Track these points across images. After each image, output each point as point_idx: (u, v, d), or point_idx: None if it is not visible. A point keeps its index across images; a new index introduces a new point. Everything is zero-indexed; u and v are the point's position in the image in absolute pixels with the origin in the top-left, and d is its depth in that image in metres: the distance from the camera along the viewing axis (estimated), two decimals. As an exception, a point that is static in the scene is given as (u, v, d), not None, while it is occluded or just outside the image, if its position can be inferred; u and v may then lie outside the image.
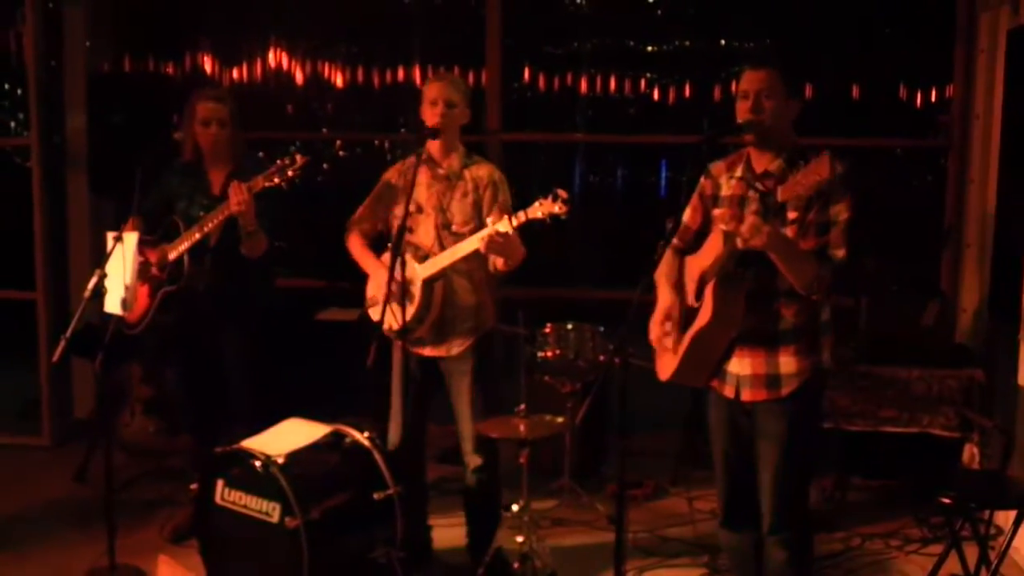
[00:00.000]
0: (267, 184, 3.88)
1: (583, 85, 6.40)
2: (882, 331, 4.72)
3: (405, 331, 3.74)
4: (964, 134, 5.27)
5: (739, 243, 2.86)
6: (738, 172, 3.16)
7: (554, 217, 3.44)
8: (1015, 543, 3.71)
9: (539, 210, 3.45)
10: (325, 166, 7.06)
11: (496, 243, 3.55)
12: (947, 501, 3.54)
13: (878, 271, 4.81)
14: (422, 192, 3.87)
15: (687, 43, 6.49)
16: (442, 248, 3.82)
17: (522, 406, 3.82)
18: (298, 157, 3.85)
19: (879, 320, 4.74)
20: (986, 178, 5.05)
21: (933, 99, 6.01)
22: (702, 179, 3.31)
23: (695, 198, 3.33)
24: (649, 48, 6.57)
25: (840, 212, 2.96)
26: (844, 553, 4.33)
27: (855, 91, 6.10)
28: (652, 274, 3.12)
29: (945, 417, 4.52)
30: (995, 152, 4.91)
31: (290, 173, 3.85)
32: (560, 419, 4.07)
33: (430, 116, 3.81)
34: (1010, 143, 4.70)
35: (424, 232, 3.88)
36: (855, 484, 4.85)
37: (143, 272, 4.18)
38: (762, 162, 3.10)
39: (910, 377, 4.59)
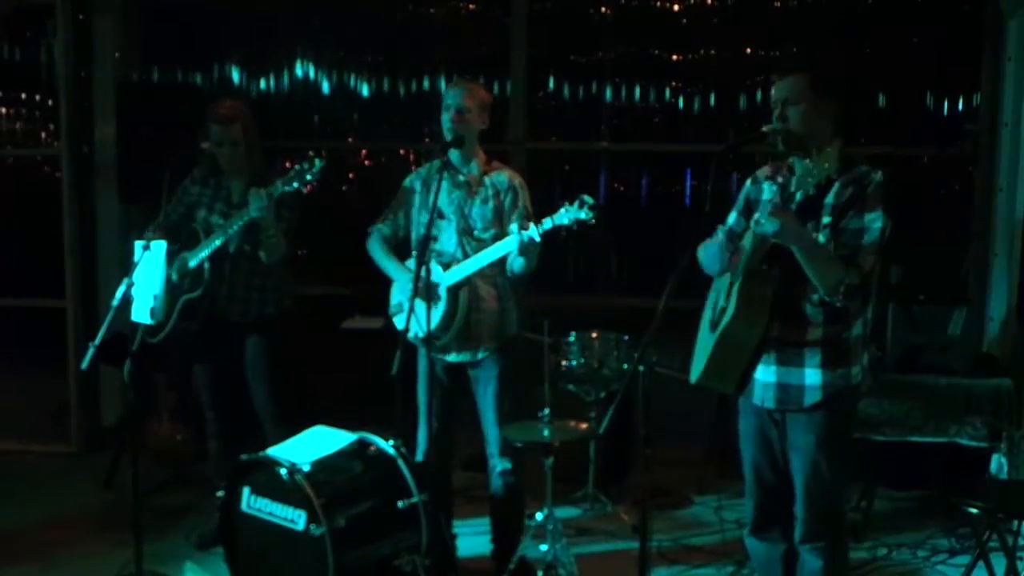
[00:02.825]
0: (286, 188, 3.91)
1: (607, 94, 6.41)
2: (909, 340, 4.68)
3: (431, 338, 3.75)
4: (992, 142, 5.24)
5: (754, 226, 2.86)
6: (780, 179, 3.16)
7: (580, 223, 3.45)
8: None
9: (565, 217, 3.47)
10: (351, 175, 7.10)
11: (526, 248, 3.58)
12: (975, 511, 3.50)
13: (905, 280, 4.78)
14: (443, 199, 3.89)
15: (712, 52, 6.48)
16: (464, 254, 3.85)
17: (546, 413, 3.83)
18: (316, 160, 3.87)
19: (906, 329, 4.70)
20: (1014, 186, 5.02)
21: (960, 107, 5.97)
22: (748, 183, 3.31)
23: (741, 202, 3.33)
24: (674, 57, 6.56)
25: (874, 220, 2.95)
26: (871, 563, 4.30)
27: (881, 100, 6.07)
28: (677, 281, 3.10)
29: (973, 427, 4.48)
30: (1024, 159, 4.88)
31: (308, 176, 3.87)
32: (583, 426, 4.08)
33: (444, 122, 3.85)
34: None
35: (446, 238, 3.90)
36: (882, 494, 4.81)
37: (167, 281, 4.21)
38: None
39: (937, 386, 4.55)
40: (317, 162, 3.86)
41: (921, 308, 4.72)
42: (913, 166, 6.03)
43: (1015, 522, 3.99)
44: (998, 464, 4.54)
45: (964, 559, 4.16)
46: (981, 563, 3.72)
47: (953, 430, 4.49)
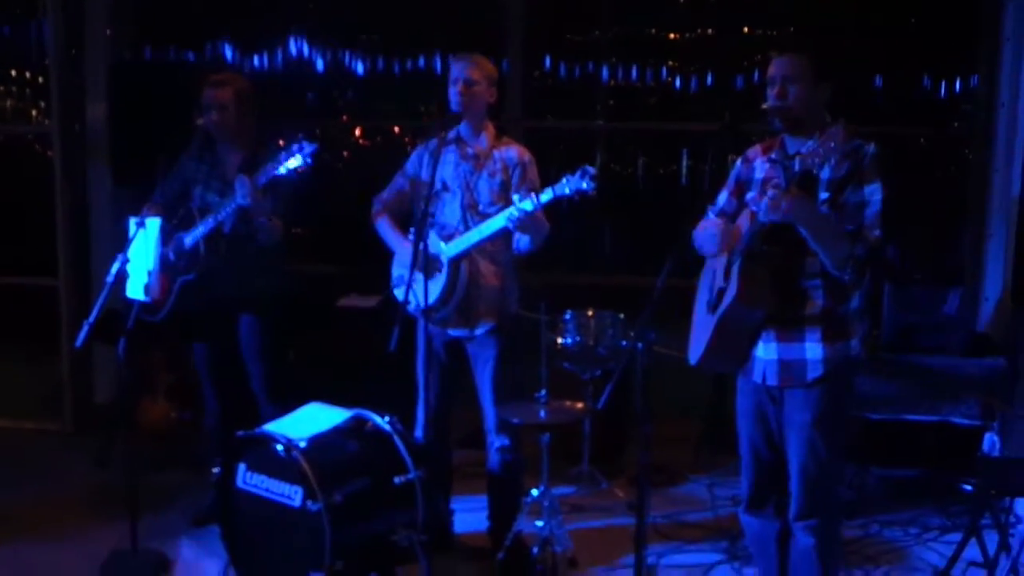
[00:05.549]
0: (274, 173, 3.88)
1: (604, 73, 6.39)
2: (905, 320, 4.70)
3: (430, 309, 3.74)
4: (988, 123, 5.24)
5: (761, 215, 2.86)
6: (772, 155, 3.16)
7: (582, 194, 3.43)
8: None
9: (567, 187, 3.46)
10: (345, 154, 7.07)
11: (523, 221, 3.56)
12: (968, 488, 3.52)
13: (901, 260, 4.80)
14: (448, 171, 3.88)
15: (709, 31, 6.46)
16: (467, 227, 3.83)
17: (543, 392, 3.84)
18: (304, 144, 3.82)
19: (902, 309, 4.72)
20: (1010, 167, 5.02)
21: (958, 88, 5.98)
22: (739, 163, 3.32)
23: (732, 182, 3.34)
24: (671, 36, 6.54)
25: (873, 192, 2.95)
26: (863, 540, 4.33)
27: (878, 80, 6.07)
28: (675, 260, 3.10)
29: (967, 406, 4.50)
30: (1020, 140, 4.87)
31: (297, 160, 3.83)
32: (580, 405, 4.09)
33: (451, 95, 3.81)
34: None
35: (450, 211, 3.89)
36: (875, 472, 4.83)
37: (164, 260, 4.20)
38: (796, 145, 3.08)
39: (932, 366, 4.58)
40: (306, 145, 3.81)
41: (917, 288, 4.74)
42: (910, 146, 6.04)
43: (1006, 499, 4.02)
44: (991, 443, 4.57)
45: (955, 536, 4.19)
46: (972, 540, 3.75)
47: (947, 409, 4.52)
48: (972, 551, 3.76)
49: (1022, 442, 4.36)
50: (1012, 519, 4.17)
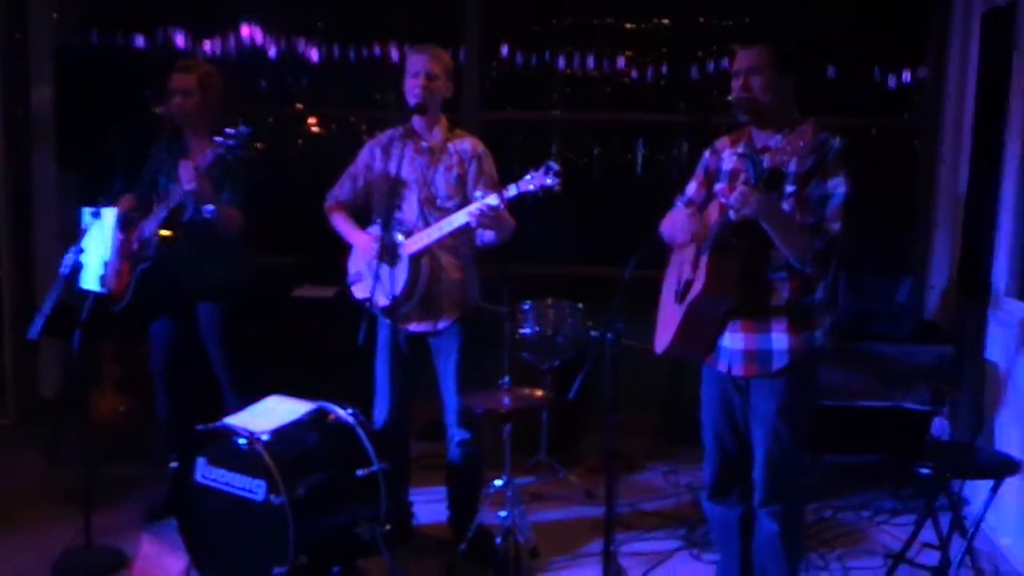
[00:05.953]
0: (213, 158, 3.83)
1: (561, 63, 6.38)
2: (857, 308, 4.79)
3: (394, 307, 3.72)
4: (936, 115, 5.34)
5: (732, 214, 2.89)
6: (740, 148, 3.19)
7: (546, 190, 3.43)
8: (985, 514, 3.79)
9: (531, 183, 3.44)
10: (299, 142, 6.98)
11: (487, 217, 3.54)
12: (926, 471, 3.59)
13: (853, 250, 4.87)
14: (404, 166, 3.84)
15: (665, 21, 6.49)
16: (426, 223, 3.80)
17: (507, 379, 3.84)
18: (241, 128, 3.77)
19: (855, 297, 4.80)
20: (956, 159, 5.12)
21: (908, 80, 6.08)
22: (707, 154, 3.34)
23: (700, 173, 3.36)
24: (627, 25, 6.55)
25: (837, 186, 3.00)
26: (818, 524, 4.41)
27: (829, 71, 6.15)
28: (641, 256, 3.13)
29: (917, 391, 4.61)
30: (967, 133, 4.97)
31: (232, 144, 3.78)
32: (539, 392, 4.10)
33: (411, 88, 3.78)
34: (982, 124, 4.77)
35: (407, 207, 3.86)
36: (827, 458, 4.91)
37: (124, 249, 4.13)
38: (763, 138, 3.13)
39: (883, 353, 4.67)
40: (243, 129, 3.77)
41: (869, 277, 4.83)
42: (861, 137, 6.14)
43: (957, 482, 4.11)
44: (940, 427, 4.70)
45: (907, 519, 4.31)
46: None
47: (898, 395, 4.62)
48: (926, 533, 3.86)
49: (970, 426, 4.49)
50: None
